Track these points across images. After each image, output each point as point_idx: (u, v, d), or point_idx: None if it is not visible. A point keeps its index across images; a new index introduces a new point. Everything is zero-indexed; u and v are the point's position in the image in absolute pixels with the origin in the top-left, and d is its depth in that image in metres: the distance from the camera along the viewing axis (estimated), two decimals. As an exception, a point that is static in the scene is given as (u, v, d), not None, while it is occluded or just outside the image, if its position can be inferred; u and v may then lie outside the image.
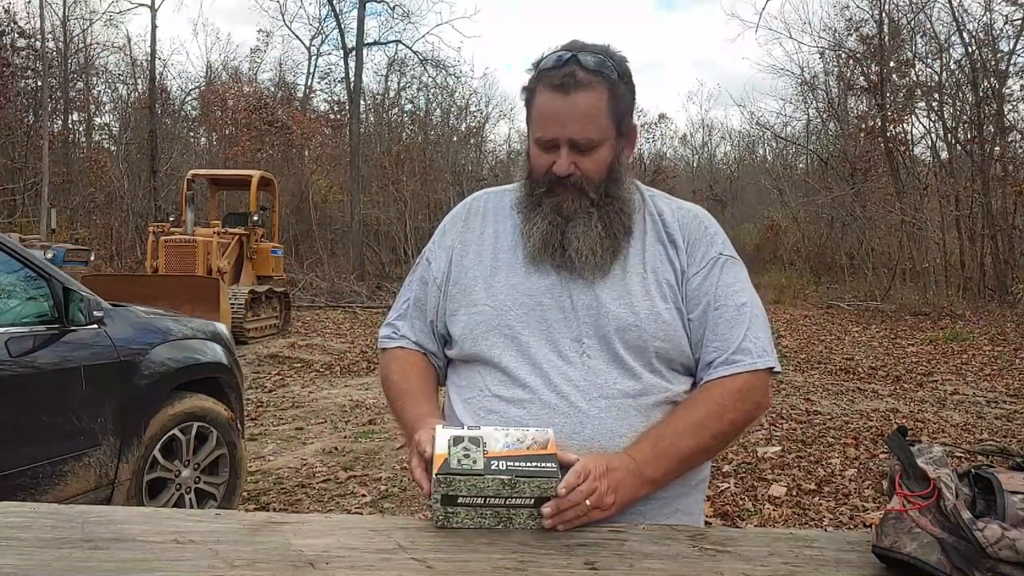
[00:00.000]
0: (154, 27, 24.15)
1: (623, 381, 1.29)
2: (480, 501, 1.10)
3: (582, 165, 1.31)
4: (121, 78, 26.27)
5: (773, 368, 1.32)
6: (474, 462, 1.10)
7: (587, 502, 1.12)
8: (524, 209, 1.38)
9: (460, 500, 1.10)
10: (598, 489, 1.14)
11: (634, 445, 1.25)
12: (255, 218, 12.96)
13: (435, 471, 1.10)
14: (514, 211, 1.42)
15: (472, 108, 28.22)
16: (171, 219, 12.87)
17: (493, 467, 1.09)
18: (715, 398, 1.30)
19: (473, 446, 1.11)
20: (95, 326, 3.22)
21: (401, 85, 28.23)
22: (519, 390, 1.30)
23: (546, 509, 1.10)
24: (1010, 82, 17.04)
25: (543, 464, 1.10)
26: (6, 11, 21.10)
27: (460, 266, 1.41)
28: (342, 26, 25.22)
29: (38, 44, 21.70)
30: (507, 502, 1.10)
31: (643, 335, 1.30)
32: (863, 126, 21.33)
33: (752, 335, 1.32)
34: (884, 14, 19.02)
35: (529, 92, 1.35)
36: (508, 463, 1.10)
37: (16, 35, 21.49)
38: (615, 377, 1.29)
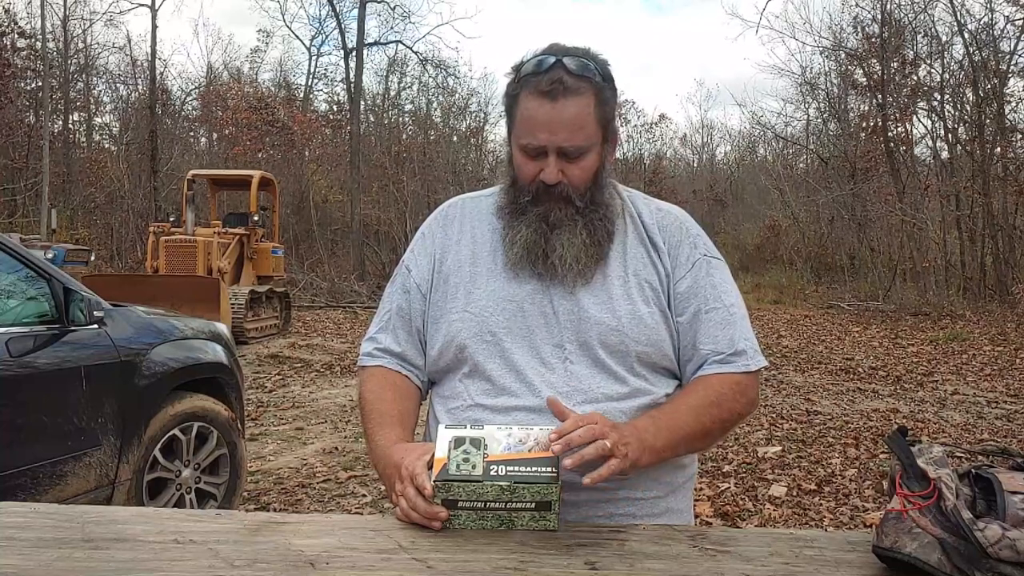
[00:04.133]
0: (154, 27, 24.18)
1: (607, 385, 1.29)
2: (480, 505, 1.10)
3: (569, 172, 1.29)
4: (121, 78, 26.31)
5: (762, 369, 1.36)
6: (473, 467, 1.09)
7: (606, 443, 1.11)
8: (506, 216, 1.35)
9: (460, 504, 1.10)
10: (610, 436, 1.12)
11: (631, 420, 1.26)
12: (255, 218, 12.96)
13: (434, 476, 1.09)
14: (492, 216, 1.40)
15: (472, 108, 28.25)
16: (171, 219, 12.86)
17: (492, 472, 1.09)
18: (714, 386, 1.31)
19: (474, 449, 1.11)
20: (95, 326, 3.22)
21: (401, 85, 28.28)
22: (503, 398, 1.29)
23: (556, 447, 1.09)
24: (1011, 82, 17.07)
25: (543, 469, 1.09)
26: (6, 11, 21.11)
27: (441, 272, 1.39)
28: (342, 26, 25.28)
29: (38, 44, 21.72)
30: (508, 506, 1.10)
31: (625, 339, 1.29)
32: (864, 126, 21.34)
33: (742, 335, 1.33)
34: (886, 14, 19.02)
35: (511, 98, 1.32)
36: (508, 468, 1.09)
37: (16, 35, 21.49)
38: (598, 382, 1.29)
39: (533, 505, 1.10)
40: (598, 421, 1.15)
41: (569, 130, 1.27)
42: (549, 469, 1.09)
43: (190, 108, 27.85)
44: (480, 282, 1.35)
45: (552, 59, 1.27)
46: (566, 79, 1.26)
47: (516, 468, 1.09)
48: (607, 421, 1.17)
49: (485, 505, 1.10)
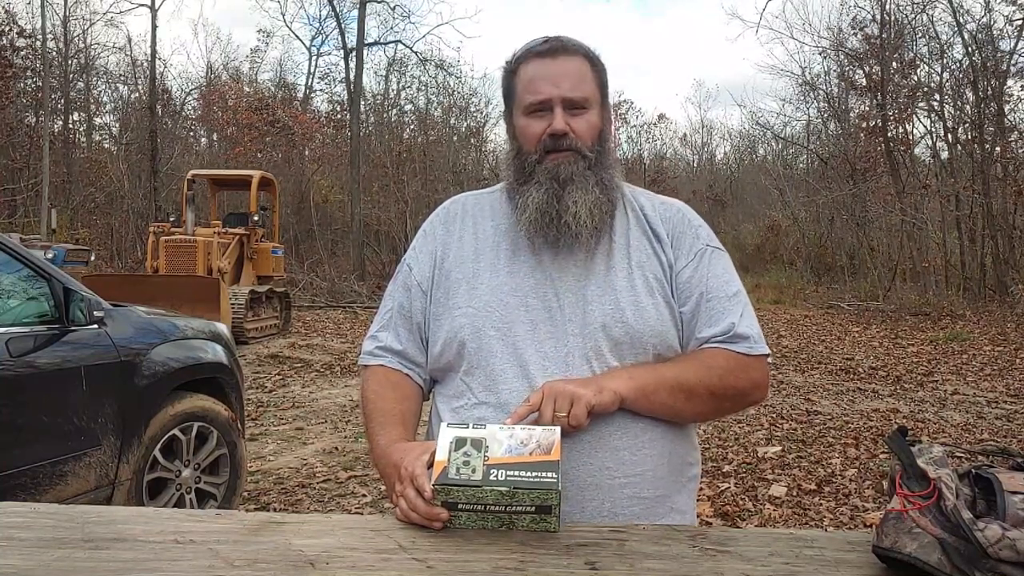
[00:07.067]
0: (154, 27, 24.20)
1: None
2: (481, 508, 1.10)
3: (575, 125, 1.32)
4: (122, 78, 26.31)
5: (768, 356, 1.35)
6: (473, 471, 1.08)
7: (560, 414, 1.18)
8: (516, 185, 1.36)
9: (460, 506, 1.10)
10: (556, 401, 1.19)
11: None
12: (255, 218, 12.96)
13: (434, 479, 1.09)
14: (495, 212, 1.41)
15: (472, 108, 28.24)
16: (171, 219, 12.86)
17: (492, 477, 1.08)
18: (708, 352, 1.31)
19: (474, 451, 1.10)
20: (95, 326, 3.22)
21: (401, 85, 28.26)
22: (506, 394, 1.28)
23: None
24: (1010, 82, 17.05)
25: (543, 474, 1.08)
26: (6, 11, 21.11)
27: (442, 270, 1.39)
28: (342, 26, 25.28)
29: (38, 44, 21.71)
30: (508, 509, 1.09)
31: (630, 331, 1.29)
32: (863, 126, 21.33)
33: (745, 323, 1.33)
34: (885, 14, 19.02)
35: (509, 76, 1.37)
36: (508, 472, 1.08)
37: (16, 35, 21.48)
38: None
39: (533, 509, 1.09)
40: (544, 391, 1.20)
41: (572, 81, 1.31)
42: (550, 474, 1.08)
43: (190, 108, 27.87)
44: (483, 277, 1.35)
45: (548, 36, 1.36)
46: (563, 40, 1.34)
47: (516, 473, 1.08)
48: (556, 384, 1.21)
49: (485, 508, 1.09)
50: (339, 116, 27.57)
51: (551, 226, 1.30)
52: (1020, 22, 16.20)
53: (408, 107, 28.48)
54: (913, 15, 18.49)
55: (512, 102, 1.37)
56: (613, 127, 1.44)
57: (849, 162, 21.12)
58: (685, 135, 39.33)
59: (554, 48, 1.32)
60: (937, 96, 18.57)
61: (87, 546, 1.04)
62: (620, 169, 1.40)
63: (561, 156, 1.31)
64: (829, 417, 6.27)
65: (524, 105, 1.33)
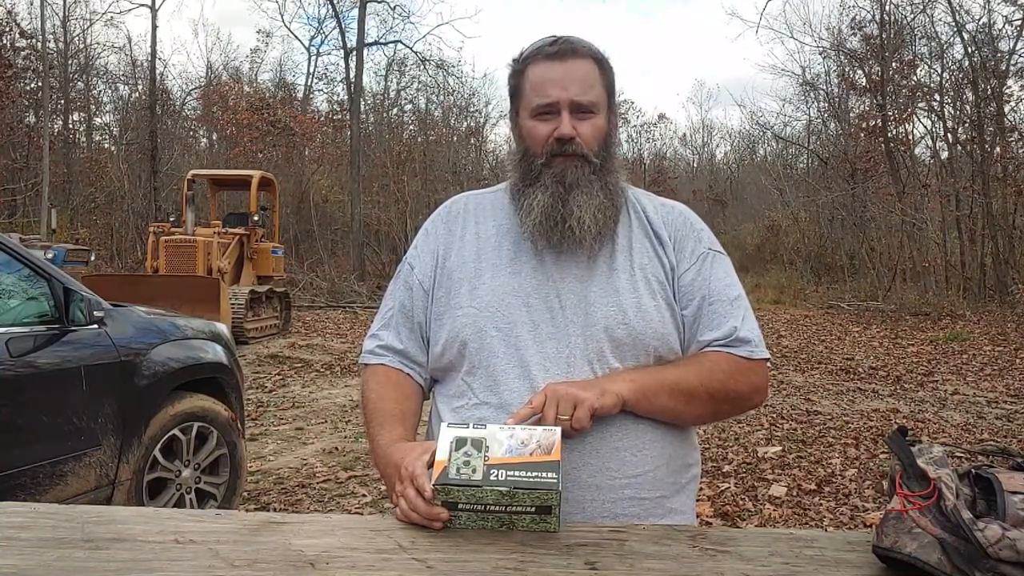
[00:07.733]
0: (154, 27, 24.19)
1: None
2: (481, 508, 1.10)
3: (581, 129, 1.32)
4: (122, 78, 26.29)
5: (768, 360, 1.36)
6: (473, 471, 1.09)
7: (563, 417, 1.17)
8: (521, 186, 1.36)
9: (460, 506, 1.10)
10: (559, 404, 1.18)
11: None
12: (255, 218, 12.96)
13: (434, 479, 1.09)
14: (497, 212, 1.41)
15: (472, 108, 28.23)
16: (171, 219, 12.86)
17: (492, 477, 1.08)
18: (710, 356, 1.32)
19: (475, 451, 1.10)
20: (95, 326, 3.22)
21: (401, 85, 28.26)
22: (507, 395, 1.28)
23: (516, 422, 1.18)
24: (1010, 82, 17.05)
25: (543, 474, 1.08)
26: (7, 11, 21.10)
27: (444, 269, 1.39)
28: (342, 26, 25.27)
29: (39, 44, 21.70)
30: (508, 509, 1.10)
31: (632, 333, 1.29)
32: (864, 126, 21.34)
33: (747, 327, 1.33)
34: (885, 14, 19.02)
35: (517, 75, 1.36)
36: (508, 472, 1.08)
37: (17, 35, 21.49)
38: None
39: (533, 509, 1.09)
40: (547, 394, 1.19)
41: (580, 85, 1.31)
42: (550, 474, 1.08)
43: (190, 108, 27.86)
44: (485, 277, 1.35)
45: (555, 36, 1.36)
46: (572, 42, 1.34)
47: (516, 473, 1.08)
48: (558, 386, 1.21)
49: (485, 508, 1.09)
50: (339, 116, 27.55)
51: (555, 230, 1.31)
52: (1020, 22, 16.21)
53: (408, 107, 28.51)
54: (913, 15, 18.52)
55: (519, 102, 1.37)
56: (617, 128, 1.44)
57: (849, 162, 21.12)
58: (685, 135, 39.36)
59: (563, 50, 1.32)
60: (937, 96, 18.59)
61: (87, 546, 1.04)
62: (624, 172, 1.40)
63: (567, 161, 1.31)
64: (829, 417, 6.27)
65: (532, 107, 1.33)
